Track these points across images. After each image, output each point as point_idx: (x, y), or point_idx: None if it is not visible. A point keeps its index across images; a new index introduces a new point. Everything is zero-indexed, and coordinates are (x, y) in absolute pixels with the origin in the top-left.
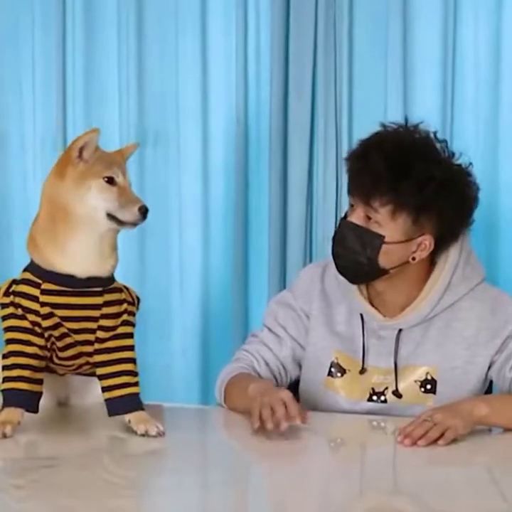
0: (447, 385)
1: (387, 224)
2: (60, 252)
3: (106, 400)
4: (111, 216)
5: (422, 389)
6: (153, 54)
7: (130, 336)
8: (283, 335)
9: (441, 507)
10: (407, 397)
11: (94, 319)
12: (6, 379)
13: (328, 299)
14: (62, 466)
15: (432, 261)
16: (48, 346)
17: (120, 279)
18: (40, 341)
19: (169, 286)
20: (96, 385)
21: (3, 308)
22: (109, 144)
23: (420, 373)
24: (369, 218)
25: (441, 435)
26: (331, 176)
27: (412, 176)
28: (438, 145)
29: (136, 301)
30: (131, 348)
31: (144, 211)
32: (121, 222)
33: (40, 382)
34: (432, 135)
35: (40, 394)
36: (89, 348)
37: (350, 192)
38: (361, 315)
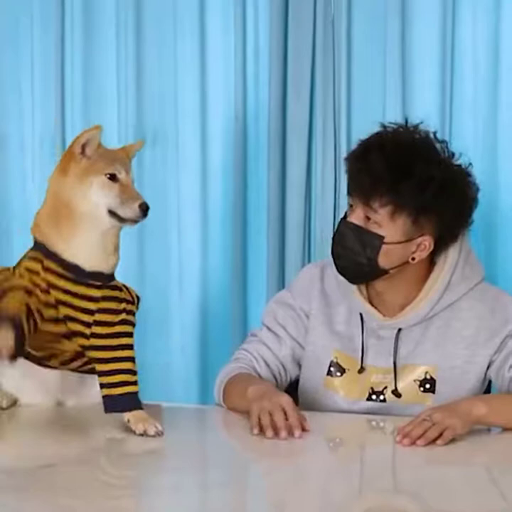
0: (446, 384)
1: (387, 224)
2: (64, 246)
3: (104, 397)
4: (112, 213)
5: (421, 388)
6: (151, 54)
7: (130, 335)
8: (282, 334)
9: (441, 506)
10: (406, 397)
11: (90, 312)
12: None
13: (327, 298)
14: (61, 466)
15: (431, 261)
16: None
17: (120, 278)
18: (35, 303)
19: (168, 285)
20: (95, 386)
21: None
22: (107, 144)
23: (419, 373)
24: (368, 219)
25: (440, 435)
26: (330, 175)
27: (412, 177)
28: (438, 145)
29: (136, 301)
30: (130, 347)
31: (144, 208)
32: (122, 219)
33: (28, 315)
34: (431, 135)
35: (24, 337)
36: (82, 341)
37: (349, 192)
38: (361, 314)
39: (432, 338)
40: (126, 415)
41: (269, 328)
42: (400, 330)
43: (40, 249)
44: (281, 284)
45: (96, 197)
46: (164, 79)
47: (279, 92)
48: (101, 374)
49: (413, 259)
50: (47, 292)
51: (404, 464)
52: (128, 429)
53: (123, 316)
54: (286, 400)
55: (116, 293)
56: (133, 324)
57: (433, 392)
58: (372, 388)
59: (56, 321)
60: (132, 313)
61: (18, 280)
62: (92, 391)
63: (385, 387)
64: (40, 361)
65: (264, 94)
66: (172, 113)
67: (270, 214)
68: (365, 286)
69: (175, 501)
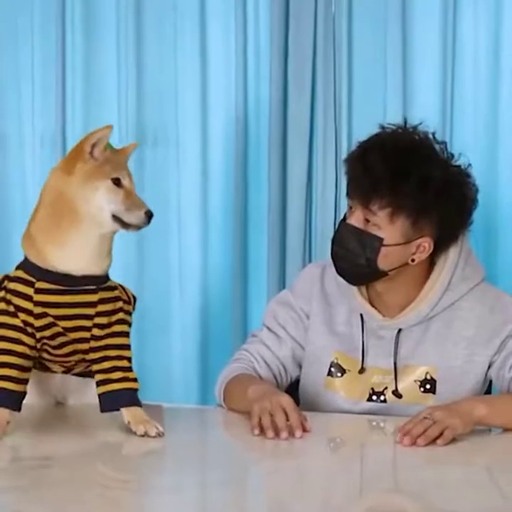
0: (447, 384)
1: (386, 226)
2: (59, 248)
3: (101, 395)
4: (116, 218)
5: (422, 389)
6: (152, 53)
7: (126, 334)
8: (283, 335)
9: (441, 506)
10: (406, 397)
11: (89, 317)
12: None
13: (327, 298)
14: (60, 466)
15: (431, 261)
16: (38, 347)
17: (119, 278)
18: (30, 341)
19: (168, 286)
20: (94, 386)
21: None
22: None
23: (420, 373)
24: (368, 221)
25: (440, 434)
26: (331, 175)
27: (411, 180)
28: (437, 146)
29: (132, 300)
30: (127, 346)
31: (149, 215)
32: (125, 225)
33: (25, 382)
34: (430, 136)
35: (24, 394)
36: (84, 346)
37: (348, 194)
38: (361, 315)
39: (432, 339)
40: (126, 417)
41: (269, 329)
42: (400, 330)
43: (31, 270)
44: (282, 284)
45: (101, 201)
46: (165, 78)
47: (279, 92)
48: (98, 372)
49: (413, 260)
50: (43, 316)
51: (405, 464)
52: (128, 430)
53: (120, 315)
54: (287, 400)
55: (111, 293)
56: (129, 324)
57: (433, 392)
58: (372, 389)
59: (58, 334)
60: (129, 313)
61: (6, 319)
62: (92, 390)
63: (386, 388)
64: (42, 368)
65: (264, 93)
66: (173, 112)
67: (271, 214)
68: (365, 287)
69: (175, 501)
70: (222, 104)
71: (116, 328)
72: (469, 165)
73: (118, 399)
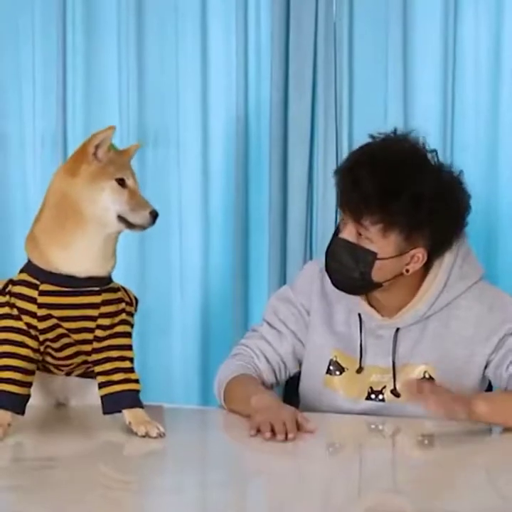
0: (445, 383)
1: (379, 240)
2: (63, 250)
3: (103, 397)
4: (121, 218)
5: None
6: (153, 54)
7: (128, 335)
8: (284, 330)
9: (440, 507)
10: (404, 396)
11: (93, 318)
12: None
13: (327, 296)
14: (62, 466)
15: (426, 266)
16: (42, 350)
17: (120, 279)
18: (34, 344)
19: (169, 285)
20: (95, 386)
21: None
22: None
23: (418, 372)
24: (360, 234)
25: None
26: (331, 175)
27: (401, 197)
28: (428, 155)
29: (134, 302)
30: (129, 347)
31: (154, 215)
32: (131, 225)
33: (29, 385)
34: (421, 145)
35: (28, 396)
36: (87, 347)
37: (340, 207)
38: (359, 314)
39: (431, 338)
40: (128, 417)
41: (270, 324)
42: (398, 329)
43: (34, 272)
44: (283, 284)
45: (106, 202)
46: (166, 79)
47: (280, 93)
48: (100, 374)
49: (407, 271)
50: (46, 318)
51: (404, 464)
52: (129, 430)
53: (122, 316)
54: (288, 415)
55: (115, 295)
56: (131, 325)
57: None
58: (371, 388)
59: (61, 336)
60: (131, 314)
61: (10, 322)
62: (94, 391)
63: (384, 387)
64: (44, 369)
65: (265, 94)
66: (174, 113)
67: (272, 214)
68: None
69: (175, 502)
70: (223, 104)
71: (119, 329)
72: (461, 172)
73: (119, 400)
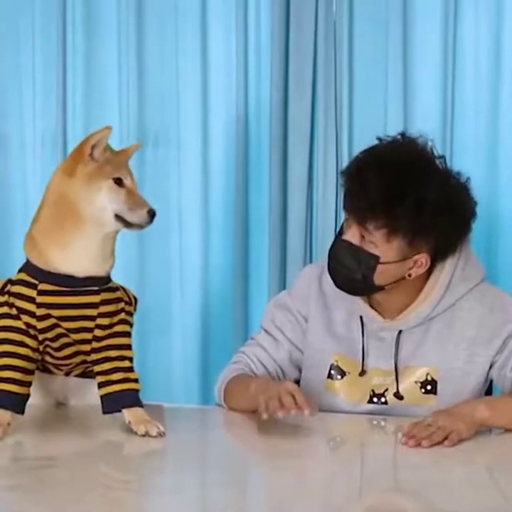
0: (448, 385)
1: (382, 245)
2: (62, 250)
3: (102, 397)
4: (119, 217)
5: (423, 390)
6: (153, 54)
7: (127, 334)
8: (280, 337)
9: (442, 506)
10: (407, 398)
11: (92, 318)
12: None
13: (326, 300)
14: (62, 466)
15: (429, 269)
16: (41, 349)
17: (120, 279)
18: (33, 343)
19: (169, 285)
20: (95, 386)
21: None
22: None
23: (420, 374)
24: (364, 237)
25: (445, 438)
26: (331, 175)
27: (406, 202)
28: (436, 161)
29: (133, 301)
30: (128, 347)
31: (152, 214)
32: (128, 224)
33: (29, 384)
34: (429, 150)
35: (27, 396)
36: (86, 347)
37: (345, 208)
38: (361, 317)
39: (433, 340)
40: (127, 417)
41: (267, 331)
42: (400, 331)
43: (33, 272)
44: (283, 284)
45: (104, 202)
46: (166, 79)
47: (280, 92)
48: (100, 373)
49: (409, 275)
50: (45, 318)
51: (405, 463)
52: (129, 430)
53: (121, 315)
54: (292, 385)
55: (113, 295)
56: (131, 324)
57: (434, 393)
58: (373, 391)
59: (60, 335)
60: (130, 313)
61: (9, 322)
62: (93, 391)
63: (386, 390)
64: (43, 369)
65: (265, 94)
66: (174, 113)
67: (272, 214)
68: None
69: (176, 501)
70: (223, 104)
71: (118, 328)
72: (468, 178)
73: (119, 400)
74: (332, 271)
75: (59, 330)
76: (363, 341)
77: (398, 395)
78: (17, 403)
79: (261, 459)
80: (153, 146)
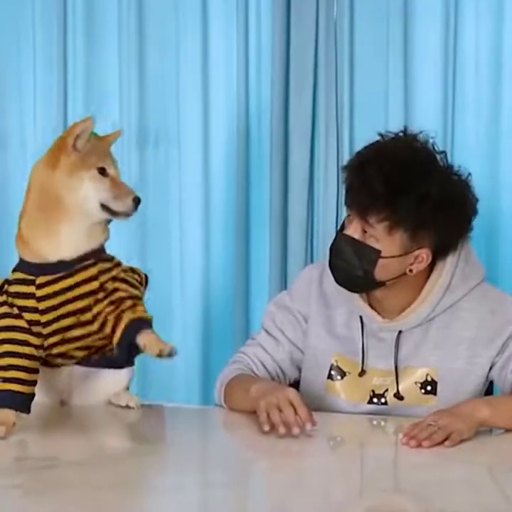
0: (448, 385)
1: (384, 239)
2: (50, 240)
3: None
4: (104, 206)
5: (422, 390)
6: (154, 54)
7: (131, 286)
8: (280, 338)
9: (442, 506)
10: (407, 399)
11: (95, 292)
12: (1, 379)
13: (327, 300)
14: (63, 465)
15: (430, 267)
16: (45, 345)
17: None
18: (37, 340)
19: (170, 284)
20: (97, 384)
21: None
22: None
23: (420, 374)
24: (365, 231)
25: (446, 438)
26: (332, 173)
27: (408, 195)
28: (437, 157)
29: (143, 279)
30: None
31: (137, 202)
32: (114, 213)
33: (34, 383)
34: (431, 146)
35: (32, 395)
36: (93, 327)
37: (347, 203)
38: (360, 317)
39: (433, 340)
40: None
41: (267, 332)
42: (400, 332)
43: (27, 269)
44: (284, 283)
45: (87, 191)
46: (166, 79)
47: (281, 92)
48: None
49: (411, 271)
50: (49, 311)
51: (406, 463)
52: (129, 429)
53: (121, 275)
54: (292, 393)
55: (110, 263)
56: (134, 285)
57: (434, 393)
58: (373, 391)
59: (66, 328)
60: (133, 278)
61: (10, 321)
62: (95, 387)
63: (386, 390)
64: (46, 362)
65: (266, 93)
66: (174, 113)
67: (272, 214)
68: None
69: (176, 501)
70: (224, 104)
71: (119, 286)
72: (469, 175)
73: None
74: (333, 266)
75: (64, 322)
76: (363, 341)
77: (398, 396)
78: (21, 403)
79: (261, 459)
80: (153, 145)
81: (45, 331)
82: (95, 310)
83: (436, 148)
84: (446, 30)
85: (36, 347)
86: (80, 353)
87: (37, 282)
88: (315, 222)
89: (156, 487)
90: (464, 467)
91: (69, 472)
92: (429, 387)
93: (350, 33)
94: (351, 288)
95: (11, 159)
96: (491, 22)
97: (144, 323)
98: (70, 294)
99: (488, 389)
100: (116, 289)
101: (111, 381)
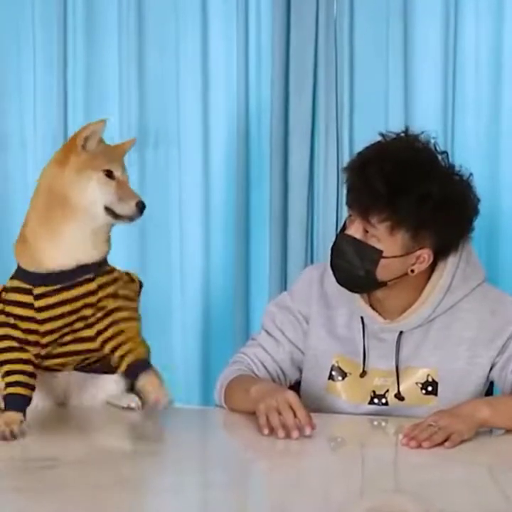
0: (449, 386)
1: (386, 239)
2: (52, 242)
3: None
4: (108, 209)
5: (423, 391)
6: (153, 54)
7: (124, 309)
8: (281, 338)
9: (442, 506)
10: (408, 399)
11: (92, 305)
12: (6, 385)
13: (327, 301)
14: (63, 466)
15: (431, 267)
16: (43, 354)
17: None
18: (34, 349)
19: (170, 285)
20: (97, 384)
21: None
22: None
23: (421, 375)
24: (367, 231)
25: (446, 439)
26: (332, 174)
27: (410, 195)
28: (439, 157)
29: (137, 285)
30: (128, 319)
31: (141, 206)
32: (118, 216)
33: (32, 388)
34: (432, 146)
35: (31, 399)
36: (91, 332)
37: (348, 204)
38: (361, 317)
39: (434, 341)
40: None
41: (267, 332)
42: (401, 332)
43: (26, 278)
44: (284, 284)
45: (93, 192)
46: (166, 79)
47: (281, 92)
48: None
49: (412, 271)
50: (48, 321)
51: (406, 464)
52: (129, 430)
53: (119, 292)
54: (292, 396)
55: (110, 277)
56: (130, 298)
57: (435, 394)
58: (374, 392)
59: (65, 334)
60: (129, 279)
61: (7, 331)
62: (94, 390)
63: (387, 391)
64: (46, 368)
65: (266, 94)
66: (174, 113)
67: (272, 214)
68: None
69: (176, 502)
70: (224, 104)
71: (119, 303)
72: (471, 175)
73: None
74: (334, 267)
75: (64, 330)
76: (363, 342)
77: (399, 396)
78: (25, 406)
79: (261, 459)
80: (153, 146)
81: (44, 340)
82: (95, 328)
83: (437, 148)
84: (446, 30)
85: (34, 354)
86: (79, 360)
87: (35, 292)
88: (315, 222)
89: (156, 487)
90: (464, 467)
91: (69, 472)
92: (429, 388)
93: (350, 32)
94: (353, 288)
95: (11, 159)
96: (491, 22)
97: (142, 364)
98: (68, 307)
99: (489, 389)
100: (117, 309)
101: (109, 385)
